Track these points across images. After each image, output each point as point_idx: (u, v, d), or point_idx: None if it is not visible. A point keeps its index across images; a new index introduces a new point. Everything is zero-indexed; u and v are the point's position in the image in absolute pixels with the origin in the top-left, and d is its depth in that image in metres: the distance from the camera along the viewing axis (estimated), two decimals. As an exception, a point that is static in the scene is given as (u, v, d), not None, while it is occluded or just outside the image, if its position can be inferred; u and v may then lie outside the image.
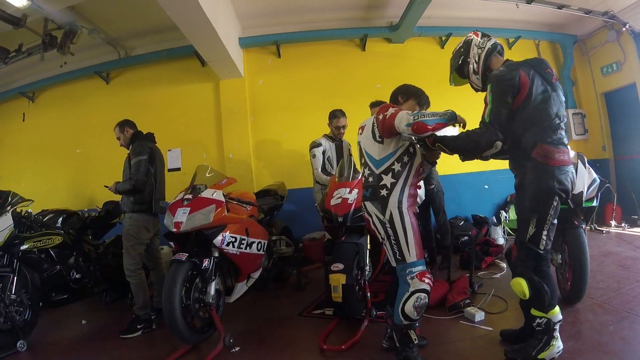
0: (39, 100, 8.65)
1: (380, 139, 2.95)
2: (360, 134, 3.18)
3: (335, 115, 5.36)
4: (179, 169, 7.31)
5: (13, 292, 3.85)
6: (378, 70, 7.51)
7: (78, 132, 8.15)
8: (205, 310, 3.60)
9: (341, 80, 7.49)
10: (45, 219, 4.60)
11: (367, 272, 3.97)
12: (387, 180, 2.92)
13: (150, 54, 7.62)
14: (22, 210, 4.30)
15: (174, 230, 3.54)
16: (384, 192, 2.92)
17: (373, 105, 5.04)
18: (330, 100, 6.88)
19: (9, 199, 4.09)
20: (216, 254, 3.66)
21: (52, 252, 4.32)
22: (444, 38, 7.71)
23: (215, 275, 3.63)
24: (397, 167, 2.92)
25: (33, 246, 4.09)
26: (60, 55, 6.65)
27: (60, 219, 4.71)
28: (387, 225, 2.89)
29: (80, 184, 7.99)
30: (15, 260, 3.96)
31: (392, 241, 2.88)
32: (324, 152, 5.32)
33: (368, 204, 2.99)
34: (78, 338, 4.36)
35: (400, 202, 2.89)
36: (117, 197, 4.69)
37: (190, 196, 3.71)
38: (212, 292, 3.56)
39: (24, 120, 8.71)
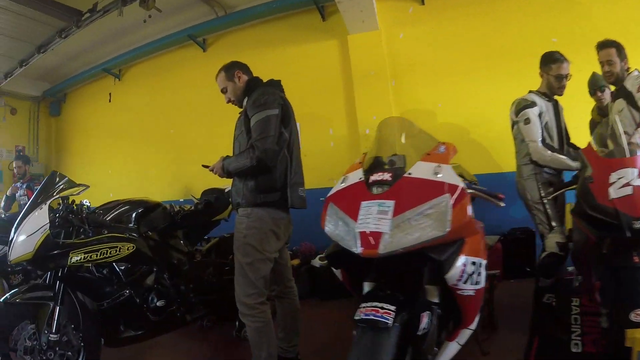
0: (125, 78, 7.99)
1: None
2: None
3: (556, 58, 3.33)
4: (297, 149, 5.59)
5: (54, 330, 2.41)
6: (550, 20, 5.34)
7: (170, 111, 7.14)
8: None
9: (503, 32, 5.37)
10: (110, 215, 2.95)
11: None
12: None
13: (255, 9, 6.04)
14: (72, 202, 2.71)
15: (361, 250, 1.59)
16: None
17: (603, 46, 3.24)
18: (494, 59, 5.17)
19: (56, 180, 2.55)
20: (435, 300, 1.75)
21: (117, 267, 2.75)
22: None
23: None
24: None
25: (85, 259, 2.50)
26: (144, 10, 5.55)
27: (134, 215, 3.02)
28: None
29: (174, 170, 6.99)
30: (58, 282, 2.47)
31: None
32: (540, 116, 3.31)
33: None
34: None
35: None
36: (223, 183, 3.05)
37: (388, 176, 1.76)
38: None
39: (110, 100, 8.11)
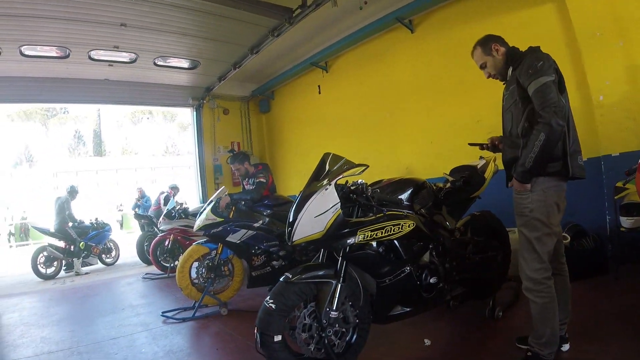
0: (332, 69, 8.25)
1: None
2: None
3: None
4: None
5: (335, 307, 2.51)
6: None
7: (383, 96, 7.23)
8: None
9: None
10: (386, 194, 2.99)
11: None
12: None
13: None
14: (346, 182, 2.79)
15: None
16: None
17: None
18: None
19: (330, 161, 2.68)
20: None
21: (397, 244, 2.75)
22: None
23: None
24: None
25: (372, 237, 2.57)
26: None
27: (408, 193, 3.03)
28: None
29: (393, 153, 7.09)
30: (340, 260, 2.57)
31: None
32: None
33: None
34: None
35: None
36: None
37: None
38: None
39: (319, 92, 8.53)
